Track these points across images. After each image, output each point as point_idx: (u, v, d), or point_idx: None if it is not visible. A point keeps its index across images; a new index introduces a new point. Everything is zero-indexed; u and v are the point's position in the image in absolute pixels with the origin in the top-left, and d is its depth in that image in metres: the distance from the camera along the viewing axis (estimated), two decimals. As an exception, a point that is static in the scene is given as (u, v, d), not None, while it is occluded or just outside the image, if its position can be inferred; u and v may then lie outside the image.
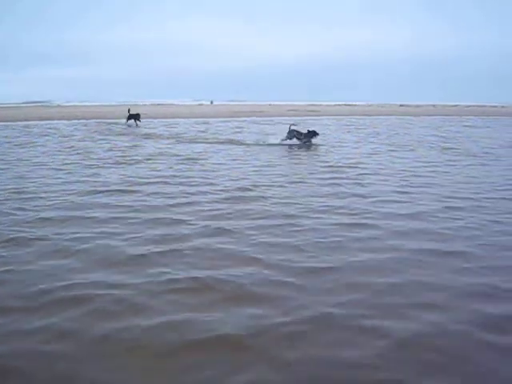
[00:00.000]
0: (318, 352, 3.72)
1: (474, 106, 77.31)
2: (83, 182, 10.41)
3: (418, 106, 71.24)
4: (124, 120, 29.16)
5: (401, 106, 73.23)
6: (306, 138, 18.48)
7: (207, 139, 20.07)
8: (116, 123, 29.67)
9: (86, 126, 28.46)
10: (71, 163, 13.10)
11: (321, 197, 8.96)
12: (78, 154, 15.24)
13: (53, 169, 12.19)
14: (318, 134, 18.56)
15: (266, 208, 8.01)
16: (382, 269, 5.32)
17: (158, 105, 69.94)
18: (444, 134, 23.87)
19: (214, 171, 11.79)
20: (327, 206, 8.24)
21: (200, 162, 13.49)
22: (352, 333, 4.00)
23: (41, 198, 8.81)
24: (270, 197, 8.90)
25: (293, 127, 18.99)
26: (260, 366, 3.55)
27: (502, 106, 77.06)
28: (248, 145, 18.00)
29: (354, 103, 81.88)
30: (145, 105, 68.12)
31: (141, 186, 9.90)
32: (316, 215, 7.58)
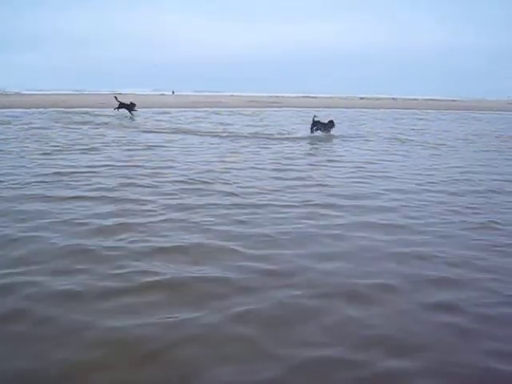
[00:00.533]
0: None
1: (433, 99, 79.04)
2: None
3: (377, 99, 72.31)
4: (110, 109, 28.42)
5: (361, 98, 74.16)
6: (327, 130, 18.41)
7: (165, 129, 19.76)
8: (76, 112, 28.99)
9: (45, 114, 27.56)
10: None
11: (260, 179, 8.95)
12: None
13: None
14: (334, 125, 18.51)
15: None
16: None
17: (118, 94, 68.60)
18: (399, 126, 24.30)
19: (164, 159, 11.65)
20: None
21: (155, 149, 13.35)
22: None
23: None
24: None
25: (316, 119, 18.72)
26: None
27: (461, 101, 79.17)
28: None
29: (315, 95, 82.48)
30: (104, 94, 66.82)
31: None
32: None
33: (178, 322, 3.84)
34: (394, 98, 78.23)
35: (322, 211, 7.14)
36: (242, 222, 6.47)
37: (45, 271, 4.74)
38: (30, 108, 31.73)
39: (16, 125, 20.08)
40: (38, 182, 8.74)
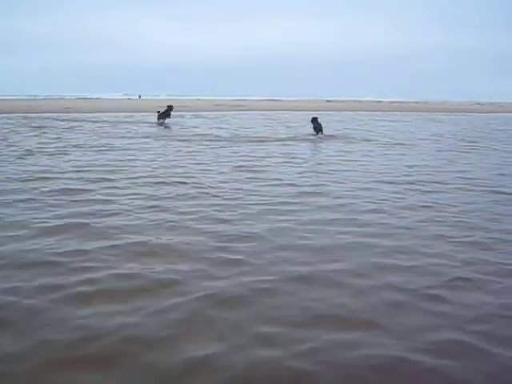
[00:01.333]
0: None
1: (397, 102, 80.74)
2: None
3: (343, 102, 73.43)
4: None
5: (328, 101, 75.16)
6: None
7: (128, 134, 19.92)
8: (42, 117, 28.89)
9: (10, 119, 27.23)
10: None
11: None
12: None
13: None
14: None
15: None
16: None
17: (84, 99, 68.02)
18: (364, 128, 24.99)
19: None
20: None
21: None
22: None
23: None
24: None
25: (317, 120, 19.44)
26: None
27: (425, 102, 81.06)
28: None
29: (281, 98, 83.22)
30: (70, 98, 66.17)
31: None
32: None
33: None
34: (359, 101, 79.55)
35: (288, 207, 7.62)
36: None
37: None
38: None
39: None
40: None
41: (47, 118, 28.87)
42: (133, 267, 4.93)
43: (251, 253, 5.38)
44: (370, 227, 6.48)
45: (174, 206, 7.42)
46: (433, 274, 4.91)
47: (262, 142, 17.00)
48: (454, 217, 7.05)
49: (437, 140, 19.26)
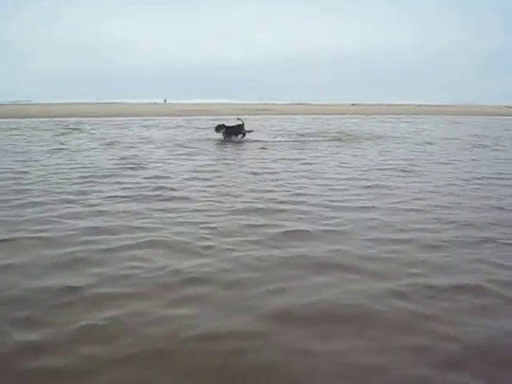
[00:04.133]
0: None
1: (423, 105, 79.12)
2: None
3: (370, 105, 72.34)
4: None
5: (353, 105, 74.16)
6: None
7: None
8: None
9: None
10: None
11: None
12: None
13: None
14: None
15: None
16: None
17: (108, 103, 68.64)
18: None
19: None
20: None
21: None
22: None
23: None
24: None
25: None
26: None
27: (453, 106, 79.26)
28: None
29: (308, 102, 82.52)
30: (92, 103, 66.83)
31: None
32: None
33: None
34: (388, 105, 78.34)
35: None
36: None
37: None
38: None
39: None
40: None
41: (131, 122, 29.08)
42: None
43: None
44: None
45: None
46: None
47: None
48: None
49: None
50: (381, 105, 77.94)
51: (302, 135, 21.20)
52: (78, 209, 7.36)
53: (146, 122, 30.95)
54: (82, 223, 6.48)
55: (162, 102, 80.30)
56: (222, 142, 17.77)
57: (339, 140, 19.27)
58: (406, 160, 13.27)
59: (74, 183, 9.48)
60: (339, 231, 6.21)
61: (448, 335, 3.63)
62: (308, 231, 6.14)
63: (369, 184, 9.61)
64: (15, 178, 9.95)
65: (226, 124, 18.51)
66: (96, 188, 9.00)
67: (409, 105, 79.41)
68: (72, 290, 4.33)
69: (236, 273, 4.79)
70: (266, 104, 68.02)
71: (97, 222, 6.58)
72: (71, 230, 6.18)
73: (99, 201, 7.91)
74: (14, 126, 26.27)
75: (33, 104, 68.02)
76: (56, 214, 7.01)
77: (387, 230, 6.30)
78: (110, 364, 3.25)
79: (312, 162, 12.89)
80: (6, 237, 5.83)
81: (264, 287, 4.45)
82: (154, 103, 73.21)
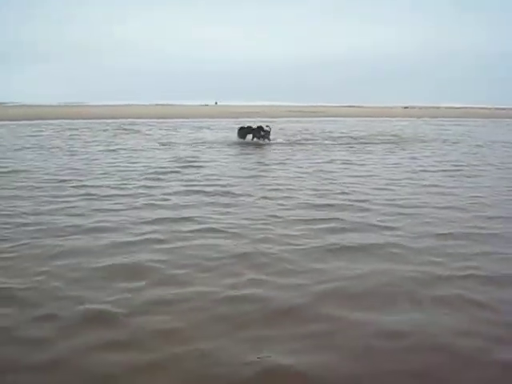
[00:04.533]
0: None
1: (469, 107, 77.01)
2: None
3: (422, 108, 71.10)
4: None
5: (405, 107, 73.05)
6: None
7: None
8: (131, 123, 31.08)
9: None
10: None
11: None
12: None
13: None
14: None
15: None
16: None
17: (160, 105, 70.19)
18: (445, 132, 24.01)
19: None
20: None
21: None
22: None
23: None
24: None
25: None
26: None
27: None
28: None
29: (359, 105, 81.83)
30: (145, 105, 68.46)
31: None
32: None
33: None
34: (437, 107, 76.69)
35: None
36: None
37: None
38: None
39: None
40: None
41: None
42: None
43: None
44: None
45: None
46: None
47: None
48: None
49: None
50: (431, 107, 76.50)
51: (354, 138, 21.29)
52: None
53: (199, 124, 31.74)
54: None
55: (213, 104, 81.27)
56: (273, 144, 18.03)
57: (394, 143, 19.24)
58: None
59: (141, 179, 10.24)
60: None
61: None
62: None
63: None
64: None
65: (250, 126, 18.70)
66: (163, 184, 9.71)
67: (459, 107, 77.58)
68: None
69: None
70: (315, 106, 67.89)
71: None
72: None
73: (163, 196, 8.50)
74: (72, 127, 27.52)
75: (84, 105, 70.27)
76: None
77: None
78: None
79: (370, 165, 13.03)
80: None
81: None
82: (205, 105, 74.32)
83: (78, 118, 36.20)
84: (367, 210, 7.52)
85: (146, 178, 10.26)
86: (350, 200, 8.22)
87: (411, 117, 46.58)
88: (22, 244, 5.61)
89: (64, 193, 8.66)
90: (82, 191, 8.76)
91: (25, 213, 7.12)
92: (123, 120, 35.13)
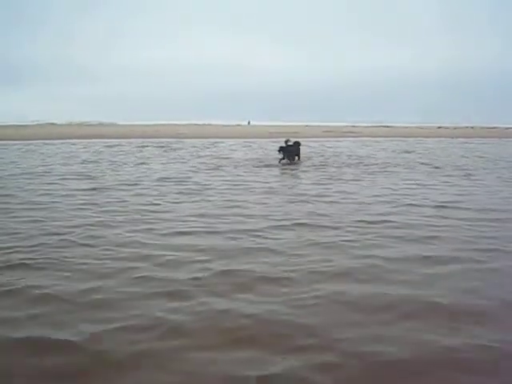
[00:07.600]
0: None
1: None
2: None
3: (455, 128, 70.78)
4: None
5: (439, 127, 72.84)
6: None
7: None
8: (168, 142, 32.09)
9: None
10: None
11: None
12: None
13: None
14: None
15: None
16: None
17: (195, 125, 71.28)
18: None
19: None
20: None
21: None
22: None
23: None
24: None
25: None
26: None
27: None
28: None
29: (391, 124, 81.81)
30: (182, 125, 69.61)
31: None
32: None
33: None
34: (472, 127, 76.30)
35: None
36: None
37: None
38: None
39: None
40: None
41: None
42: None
43: None
44: None
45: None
46: None
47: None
48: None
49: None
50: (466, 127, 76.07)
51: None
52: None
53: (244, 143, 32.08)
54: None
55: (246, 123, 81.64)
56: (303, 166, 18.13)
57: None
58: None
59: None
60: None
61: None
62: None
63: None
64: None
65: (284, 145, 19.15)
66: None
67: (496, 127, 76.87)
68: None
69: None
70: (350, 126, 68.28)
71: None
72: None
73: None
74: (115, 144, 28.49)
75: (118, 125, 71.69)
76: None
77: None
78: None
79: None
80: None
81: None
82: (238, 125, 74.57)
83: (119, 138, 37.40)
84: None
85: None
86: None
87: (446, 137, 46.33)
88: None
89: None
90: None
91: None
92: (168, 139, 35.81)
